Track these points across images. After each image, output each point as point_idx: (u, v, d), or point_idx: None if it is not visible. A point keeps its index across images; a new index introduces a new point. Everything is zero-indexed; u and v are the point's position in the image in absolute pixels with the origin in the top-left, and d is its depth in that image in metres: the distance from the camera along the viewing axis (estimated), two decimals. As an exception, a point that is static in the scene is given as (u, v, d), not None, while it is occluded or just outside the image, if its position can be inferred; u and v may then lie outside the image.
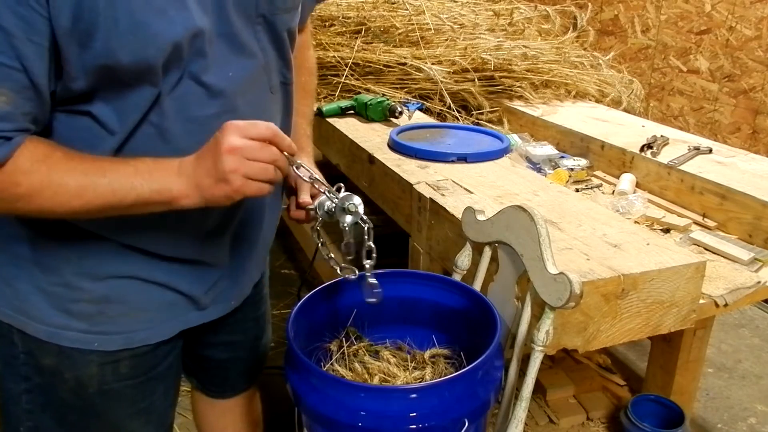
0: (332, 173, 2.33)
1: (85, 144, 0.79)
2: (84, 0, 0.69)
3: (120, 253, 0.88)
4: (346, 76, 2.09)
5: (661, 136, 1.76)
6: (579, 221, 1.23)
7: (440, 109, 2.08)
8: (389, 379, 0.99)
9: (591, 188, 1.67)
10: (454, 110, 2.06)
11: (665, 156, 1.63)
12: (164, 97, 0.79)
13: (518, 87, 2.16)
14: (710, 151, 1.67)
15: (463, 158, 1.59)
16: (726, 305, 1.16)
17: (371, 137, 1.80)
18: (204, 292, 0.98)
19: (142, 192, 0.77)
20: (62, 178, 0.75)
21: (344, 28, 2.25)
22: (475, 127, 1.93)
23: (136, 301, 0.92)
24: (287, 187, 1.07)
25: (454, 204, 1.31)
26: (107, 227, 0.85)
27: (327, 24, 2.29)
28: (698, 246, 1.35)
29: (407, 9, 2.22)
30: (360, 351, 1.06)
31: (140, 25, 0.72)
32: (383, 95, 2.03)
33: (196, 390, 1.29)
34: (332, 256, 0.98)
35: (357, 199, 0.93)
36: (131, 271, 0.90)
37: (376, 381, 0.99)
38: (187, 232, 0.91)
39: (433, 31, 2.19)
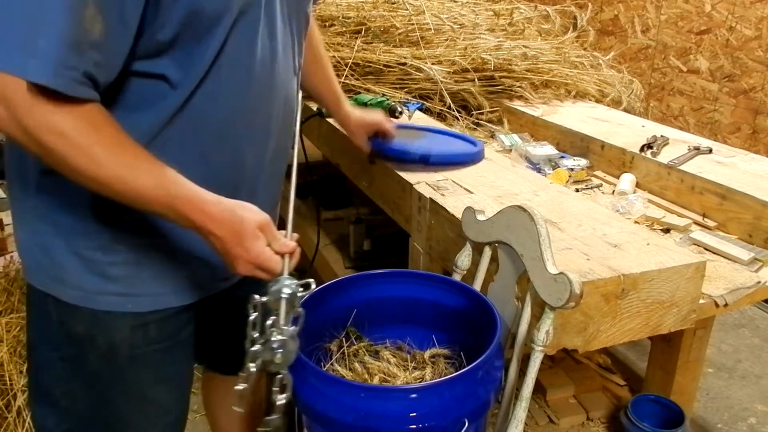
0: (333, 173, 2.34)
1: (149, 103, 0.84)
2: None
3: (155, 217, 0.90)
4: (346, 76, 2.09)
5: (661, 136, 1.76)
6: (579, 221, 1.23)
7: (440, 109, 2.08)
8: (389, 379, 0.99)
9: (591, 188, 1.67)
10: (454, 110, 2.05)
11: (665, 156, 1.63)
12: (222, 55, 0.84)
13: (518, 87, 2.16)
14: (710, 151, 1.67)
15: (425, 159, 1.55)
16: (726, 305, 1.16)
17: (371, 137, 1.80)
18: None
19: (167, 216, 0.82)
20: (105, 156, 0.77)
21: (344, 28, 2.25)
22: (456, 133, 1.86)
23: (168, 264, 0.95)
24: None
25: (454, 204, 1.31)
26: None
27: (327, 24, 2.29)
28: (698, 246, 1.35)
29: (407, 9, 2.21)
30: (360, 351, 1.06)
31: None
32: (383, 95, 2.03)
33: (206, 372, 1.34)
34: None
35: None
36: (166, 234, 0.93)
37: (376, 381, 0.99)
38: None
39: (433, 31, 2.18)
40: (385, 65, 2.12)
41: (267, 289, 0.83)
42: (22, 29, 0.69)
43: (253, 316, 0.83)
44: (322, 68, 1.36)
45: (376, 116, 1.47)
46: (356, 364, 1.02)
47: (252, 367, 0.81)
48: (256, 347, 0.81)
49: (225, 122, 0.91)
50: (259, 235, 0.83)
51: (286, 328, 0.80)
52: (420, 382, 0.99)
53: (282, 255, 0.85)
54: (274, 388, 0.82)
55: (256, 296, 0.83)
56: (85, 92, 0.74)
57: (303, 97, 1.11)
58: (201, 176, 0.92)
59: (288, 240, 0.87)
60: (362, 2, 2.29)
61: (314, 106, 1.93)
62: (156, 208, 0.81)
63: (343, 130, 1.51)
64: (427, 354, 1.05)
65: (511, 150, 1.85)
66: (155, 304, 0.96)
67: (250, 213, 0.83)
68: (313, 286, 0.85)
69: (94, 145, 0.75)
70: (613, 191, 1.64)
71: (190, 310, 1.03)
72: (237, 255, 0.83)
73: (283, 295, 0.82)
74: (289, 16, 0.97)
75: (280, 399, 0.82)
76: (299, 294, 0.83)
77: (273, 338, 0.80)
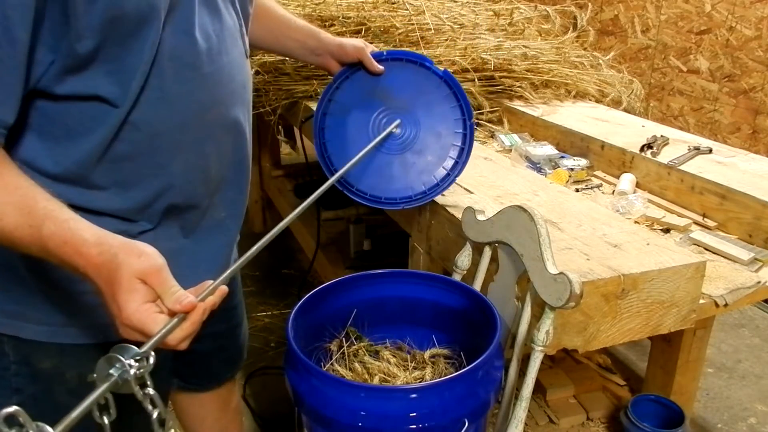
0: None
1: (92, 124, 0.79)
2: None
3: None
4: (346, 76, 2.09)
5: (661, 136, 1.76)
6: (579, 221, 1.23)
7: (440, 109, 2.08)
8: (389, 379, 0.99)
9: (591, 188, 1.67)
10: (454, 110, 2.05)
11: (665, 156, 1.63)
12: (161, 57, 0.79)
13: (518, 87, 2.16)
14: (710, 151, 1.67)
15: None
16: (726, 305, 1.16)
17: (371, 137, 1.80)
18: (201, 271, 0.99)
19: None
20: None
21: (344, 28, 2.25)
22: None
23: None
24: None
25: (454, 204, 1.31)
26: (109, 207, 0.85)
27: (327, 24, 2.28)
28: (698, 246, 1.35)
29: (407, 9, 2.21)
30: (360, 351, 1.06)
31: None
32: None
33: (177, 391, 1.29)
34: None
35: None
36: None
37: (376, 381, 0.99)
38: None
39: (433, 31, 2.18)
40: (385, 65, 2.12)
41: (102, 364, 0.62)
42: None
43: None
44: (284, 19, 1.26)
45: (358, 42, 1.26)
46: (356, 364, 1.02)
47: None
48: None
49: (179, 127, 0.84)
50: (135, 288, 0.65)
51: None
52: (420, 382, 0.99)
53: (173, 314, 0.66)
54: None
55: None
56: None
57: (301, 91, 1.09)
58: (163, 189, 0.88)
59: (187, 295, 0.67)
60: (362, 2, 2.29)
61: (314, 106, 1.92)
62: (32, 251, 0.69)
63: (331, 64, 1.27)
64: (427, 354, 1.05)
65: (511, 150, 1.85)
66: None
67: (132, 259, 0.66)
68: (152, 360, 0.63)
69: None
70: (613, 191, 1.64)
71: None
72: (111, 313, 0.67)
73: (112, 373, 0.60)
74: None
75: None
76: (132, 375, 0.61)
77: None
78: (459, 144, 1.27)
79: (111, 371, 0.60)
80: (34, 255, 0.70)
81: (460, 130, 1.27)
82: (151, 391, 0.63)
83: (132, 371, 0.61)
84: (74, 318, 0.88)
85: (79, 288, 0.87)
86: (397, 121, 1.24)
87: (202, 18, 0.85)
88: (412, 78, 1.25)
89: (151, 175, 0.85)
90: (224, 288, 0.73)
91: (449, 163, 1.27)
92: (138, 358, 0.61)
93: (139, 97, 0.79)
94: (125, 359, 0.60)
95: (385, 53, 1.25)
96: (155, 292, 0.66)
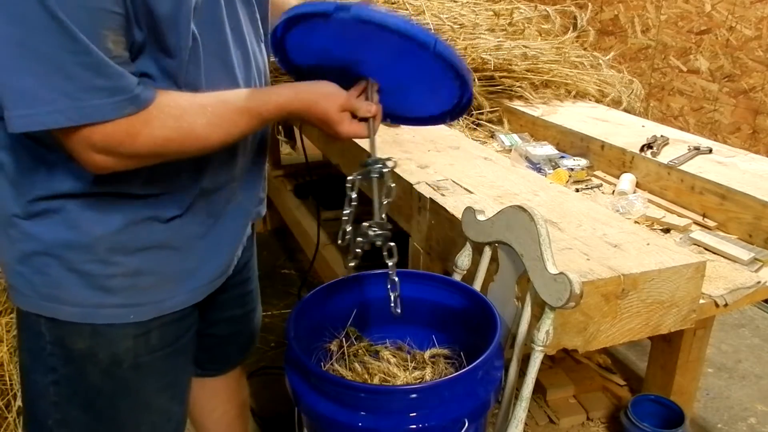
0: (333, 173, 2.34)
1: None
2: None
3: (151, 223, 0.91)
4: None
5: (661, 136, 1.76)
6: (579, 221, 1.23)
7: (440, 109, 2.08)
8: (389, 379, 0.99)
9: (591, 188, 1.67)
10: (454, 110, 2.05)
11: (665, 156, 1.64)
12: (194, 47, 0.84)
13: (518, 87, 2.16)
14: (710, 151, 1.67)
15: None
16: (726, 305, 1.16)
17: (371, 137, 1.80)
18: (224, 252, 1.03)
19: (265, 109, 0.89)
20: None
21: (344, 28, 2.25)
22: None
23: (167, 269, 0.95)
24: None
25: (454, 204, 1.31)
26: (137, 184, 0.88)
27: (327, 24, 2.28)
28: (698, 246, 1.35)
29: (407, 9, 2.21)
30: (360, 351, 1.06)
31: None
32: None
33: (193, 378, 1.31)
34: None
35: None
36: (162, 240, 0.93)
37: (376, 381, 0.99)
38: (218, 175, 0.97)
39: (433, 31, 2.19)
40: (385, 65, 2.11)
41: (359, 168, 0.96)
42: (81, 79, 0.72)
43: (353, 195, 0.97)
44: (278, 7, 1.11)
45: None
46: (356, 364, 1.02)
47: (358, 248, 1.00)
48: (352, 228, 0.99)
49: None
50: (342, 118, 0.92)
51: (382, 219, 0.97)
52: (420, 382, 0.99)
53: (367, 119, 0.95)
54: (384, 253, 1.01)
55: (350, 176, 0.96)
56: (149, 93, 0.78)
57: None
58: (194, 173, 0.92)
59: (370, 104, 0.95)
60: (362, 2, 2.29)
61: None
62: (261, 128, 0.95)
63: None
64: (427, 354, 1.05)
65: (511, 150, 1.86)
66: (158, 311, 0.96)
67: (329, 102, 0.91)
68: (391, 163, 0.96)
69: (195, 128, 0.82)
70: (613, 191, 1.64)
71: (193, 312, 1.02)
72: (331, 135, 0.96)
73: (373, 175, 0.95)
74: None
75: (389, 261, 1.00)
76: (385, 171, 0.95)
77: (370, 231, 0.99)
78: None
79: (371, 166, 0.95)
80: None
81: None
82: (393, 185, 0.97)
83: (385, 170, 0.95)
84: (106, 299, 0.91)
85: (111, 270, 0.90)
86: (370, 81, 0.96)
87: (222, 7, 0.89)
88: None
89: (182, 161, 0.89)
90: (377, 83, 0.98)
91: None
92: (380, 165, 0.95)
93: (179, 84, 0.85)
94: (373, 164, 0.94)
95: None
96: (350, 112, 0.93)
